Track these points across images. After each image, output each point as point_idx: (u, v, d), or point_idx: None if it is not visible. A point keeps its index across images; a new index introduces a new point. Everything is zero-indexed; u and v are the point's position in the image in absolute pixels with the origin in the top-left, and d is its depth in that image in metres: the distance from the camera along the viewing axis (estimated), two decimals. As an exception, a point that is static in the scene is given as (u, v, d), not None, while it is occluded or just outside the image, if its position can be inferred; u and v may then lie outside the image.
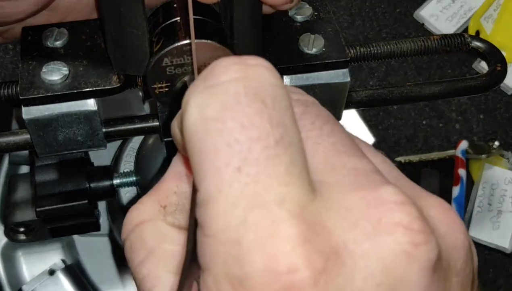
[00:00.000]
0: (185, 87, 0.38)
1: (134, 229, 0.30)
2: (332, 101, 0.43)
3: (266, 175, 0.23)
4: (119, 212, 0.66)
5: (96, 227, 0.60)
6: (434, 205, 0.27)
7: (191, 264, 0.26)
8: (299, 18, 0.44)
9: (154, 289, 0.29)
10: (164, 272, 0.29)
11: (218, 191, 0.23)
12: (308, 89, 0.42)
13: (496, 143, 1.07)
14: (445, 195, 1.03)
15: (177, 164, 0.31)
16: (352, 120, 0.79)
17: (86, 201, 0.55)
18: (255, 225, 0.23)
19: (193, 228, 0.25)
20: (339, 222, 0.24)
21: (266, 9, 0.40)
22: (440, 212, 0.27)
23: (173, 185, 0.31)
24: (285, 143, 0.24)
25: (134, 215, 0.30)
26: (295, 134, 0.24)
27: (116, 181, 0.58)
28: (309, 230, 0.23)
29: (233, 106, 0.24)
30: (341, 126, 0.28)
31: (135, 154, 0.64)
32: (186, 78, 0.39)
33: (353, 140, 0.28)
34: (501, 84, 0.60)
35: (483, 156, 1.06)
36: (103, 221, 0.70)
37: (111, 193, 0.58)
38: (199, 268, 0.25)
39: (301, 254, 0.23)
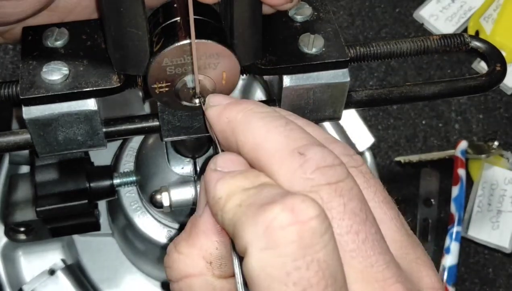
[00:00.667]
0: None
1: (184, 280, 0.34)
2: (332, 101, 0.44)
3: None
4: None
5: (96, 227, 0.60)
6: (428, 287, 0.32)
7: None
8: (299, 18, 0.44)
9: None
10: None
11: None
12: (308, 89, 0.42)
13: (496, 143, 1.07)
14: (445, 195, 1.03)
15: (210, 217, 0.33)
16: (352, 120, 0.78)
17: (86, 201, 0.55)
18: None
19: None
20: None
21: (266, 9, 0.40)
22: None
23: (212, 240, 0.33)
24: None
25: (182, 268, 0.34)
26: (343, 280, 0.29)
27: (116, 181, 0.58)
28: None
29: (293, 272, 0.27)
30: (371, 223, 0.31)
31: (135, 153, 0.64)
32: (186, 78, 0.39)
33: (382, 237, 0.31)
34: (501, 84, 0.60)
35: (483, 155, 1.06)
36: (103, 221, 0.70)
37: (111, 193, 0.58)
38: None
39: None
